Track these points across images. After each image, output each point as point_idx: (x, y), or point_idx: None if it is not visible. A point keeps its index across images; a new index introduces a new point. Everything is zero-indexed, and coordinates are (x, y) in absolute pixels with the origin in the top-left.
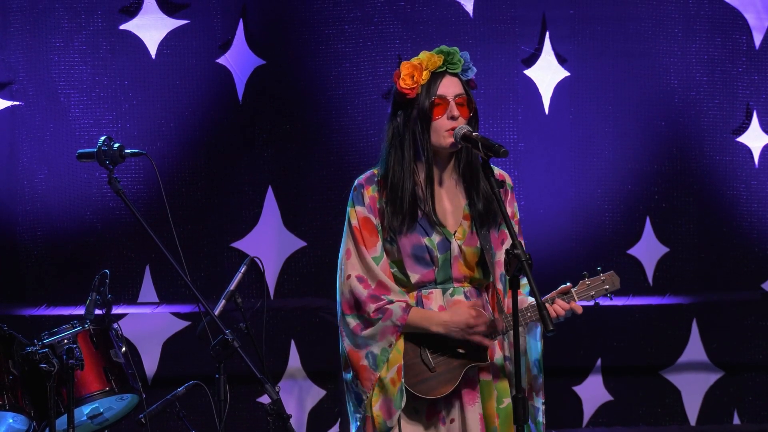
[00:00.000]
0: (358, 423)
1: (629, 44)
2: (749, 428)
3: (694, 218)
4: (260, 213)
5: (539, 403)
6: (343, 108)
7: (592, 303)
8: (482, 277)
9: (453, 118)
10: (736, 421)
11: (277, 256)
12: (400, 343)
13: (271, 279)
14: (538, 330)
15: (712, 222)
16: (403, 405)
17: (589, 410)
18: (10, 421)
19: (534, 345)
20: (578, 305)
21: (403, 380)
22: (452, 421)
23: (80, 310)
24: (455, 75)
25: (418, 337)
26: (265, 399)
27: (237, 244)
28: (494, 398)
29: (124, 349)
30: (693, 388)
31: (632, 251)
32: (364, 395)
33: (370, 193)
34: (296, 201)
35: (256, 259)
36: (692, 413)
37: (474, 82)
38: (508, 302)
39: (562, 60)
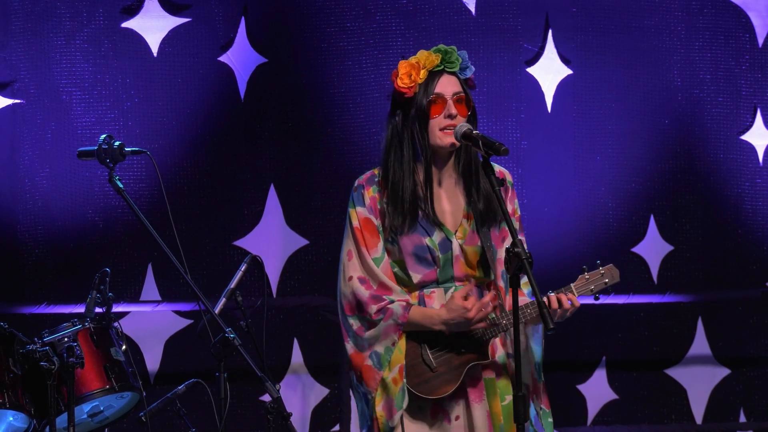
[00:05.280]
0: (369, 423)
1: (632, 42)
2: (756, 426)
3: (699, 216)
4: (262, 211)
5: (539, 407)
6: (346, 106)
7: (592, 298)
8: (484, 275)
9: (451, 116)
10: (743, 419)
11: (280, 254)
12: (402, 343)
13: (273, 277)
14: (540, 334)
15: (716, 220)
16: (404, 405)
17: (593, 409)
18: (11, 419)
19: (535, 349)
20: (575, 298)
21: (404, 380)
22: (457, 418)
23: (81, 309)
24: (453, 74)
25: (418, 337)
26: (265, 397)
27: (239, 243)
28: (498, 396)
29: (124, 347)
30: (699, 386)
31: (637, 249)
32: (369, 395)
33: (371, 193)
34: (299, 199)
35: (256, 257)
36: (698, 412)
37: (472, 81)
38: (508, 300)
39: (564, 58)
